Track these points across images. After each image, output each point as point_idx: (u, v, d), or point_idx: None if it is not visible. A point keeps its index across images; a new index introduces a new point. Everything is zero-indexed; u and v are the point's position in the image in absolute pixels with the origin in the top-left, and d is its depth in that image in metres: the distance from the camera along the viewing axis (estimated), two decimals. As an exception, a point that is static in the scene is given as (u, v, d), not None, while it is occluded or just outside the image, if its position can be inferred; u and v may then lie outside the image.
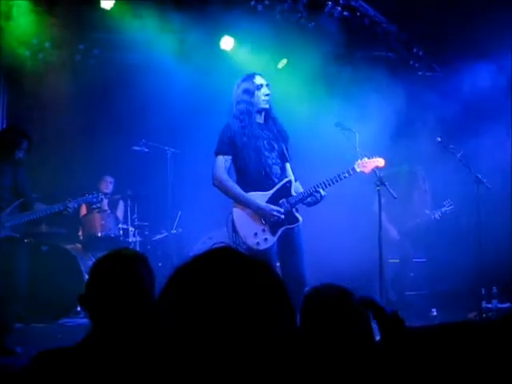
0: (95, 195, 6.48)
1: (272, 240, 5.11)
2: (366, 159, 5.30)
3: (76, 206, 6.16)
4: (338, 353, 1.07)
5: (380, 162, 5.34)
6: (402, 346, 1.71)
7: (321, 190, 5.19)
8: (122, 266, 2.20)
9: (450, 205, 7.77)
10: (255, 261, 1.18)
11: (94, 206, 7.58)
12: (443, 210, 7.80)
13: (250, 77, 5.40)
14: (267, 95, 5.32)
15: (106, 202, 8.66)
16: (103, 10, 7.93)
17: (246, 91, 5.31)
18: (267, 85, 5.36)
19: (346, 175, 5.24)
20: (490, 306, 7.20)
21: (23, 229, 5.97)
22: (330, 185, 5.21)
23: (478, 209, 6.59)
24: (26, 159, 5.97)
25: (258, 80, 5.36)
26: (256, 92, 5.30)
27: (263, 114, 5.38)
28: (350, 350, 1.21)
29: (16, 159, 5.88)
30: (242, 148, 5.20)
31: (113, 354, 2.07)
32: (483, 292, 6.97)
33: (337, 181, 5.22)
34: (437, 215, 7.79)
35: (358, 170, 5.27)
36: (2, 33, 7.73)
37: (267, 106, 5.35)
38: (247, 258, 1.18)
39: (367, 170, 5.31)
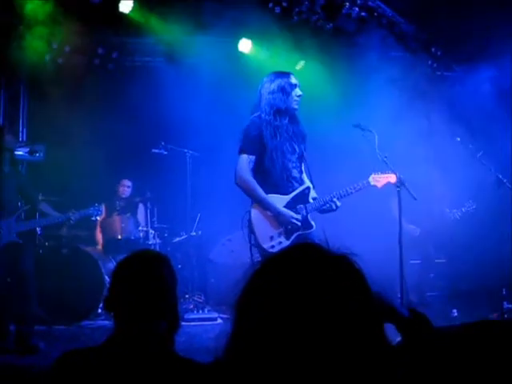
0: (96, 207, 6.56)
1: (286, 244, 5.10)
2: (379, 174, 5.38)
3: (78, 217, 6.33)
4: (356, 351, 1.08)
5: (392, 177, 5.41)
6: (422, 348, 1.70)
7: (336, 201, 5.24)
8: (145, 267, 2.22)
9: (471, 205, 7.69)
10: (338, 255, 1.22)
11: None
12: (463, 209, 7.73)
13: (286, 75, 5.30)
14: (299, 96, 5.25)
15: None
16: (122, 13, 7.98)
17: (283, 90, 5.20)
18: (299, 85, 5.30)
19: (361, 187, 5.31)
20: (511, 306, 7.13)
21: (27, 233, 6.27)
22: (344, 196, 5.27)
23: (499, 209, 6.54)
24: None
25: (293, 80, 5.27)
26: (291, 92, 5.22)
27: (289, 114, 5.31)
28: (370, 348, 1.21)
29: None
30: (271, 149, 5.13)
31: (136, 354, 2.09)
32: (504, 292, 6.92)
33: (352, 192, 5.28)
34: (457, 215, 7.73)
35: (371, 183, 5.37)
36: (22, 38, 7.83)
37: (297, 107, 5.28)
38: (330, 252, 1.22)
39: (380, 184, 5.40)
